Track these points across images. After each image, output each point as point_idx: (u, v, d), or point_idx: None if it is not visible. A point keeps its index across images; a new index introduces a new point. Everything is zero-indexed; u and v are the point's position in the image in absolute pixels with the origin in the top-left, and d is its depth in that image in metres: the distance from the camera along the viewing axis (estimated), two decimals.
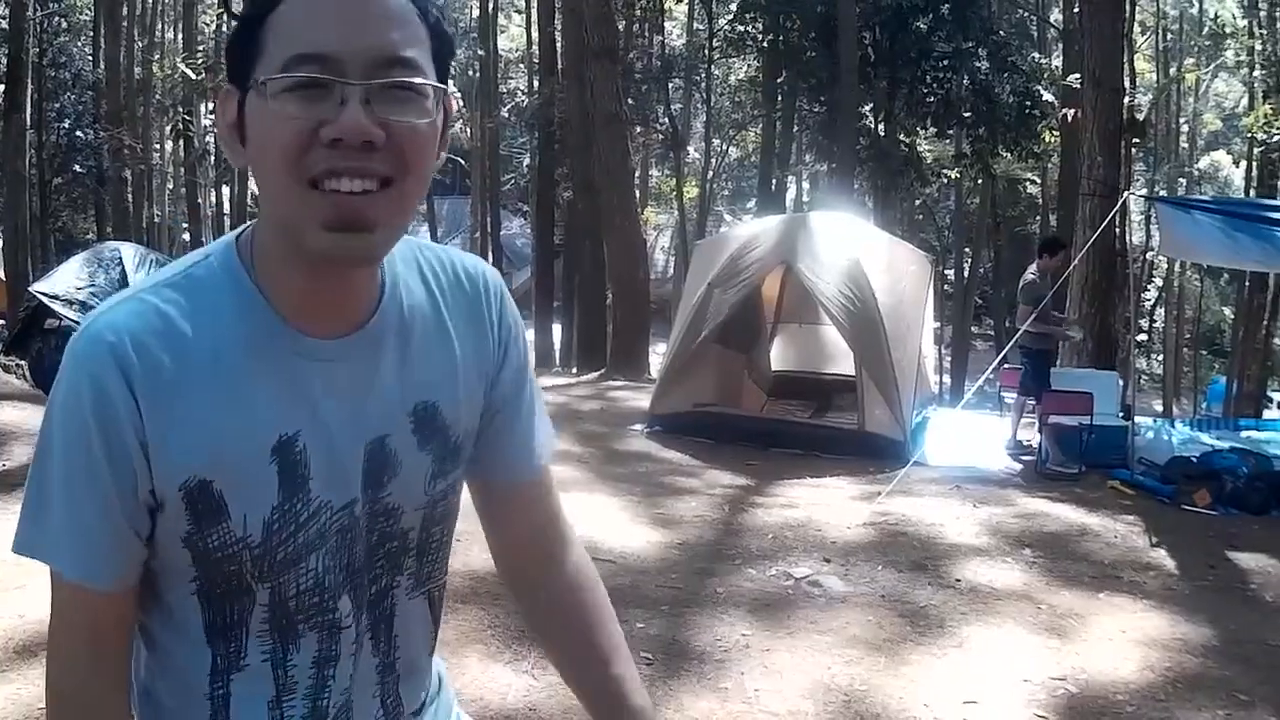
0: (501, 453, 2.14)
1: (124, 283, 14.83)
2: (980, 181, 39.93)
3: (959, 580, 8.89)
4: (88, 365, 1.70)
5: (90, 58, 37.73)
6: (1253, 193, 39.01)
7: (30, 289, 16.85)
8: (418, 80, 1.68)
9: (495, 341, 2.06)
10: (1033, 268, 14.70)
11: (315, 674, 1.91)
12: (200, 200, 41.68)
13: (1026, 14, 44.49)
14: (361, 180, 1.63)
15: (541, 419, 2.21)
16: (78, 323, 10.04)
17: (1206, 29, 45.57)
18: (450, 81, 1.79)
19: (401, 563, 1.99)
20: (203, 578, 1.80)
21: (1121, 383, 16.12)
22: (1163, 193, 40.74)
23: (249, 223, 1.88)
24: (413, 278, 1.96)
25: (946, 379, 38.72)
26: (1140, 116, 31.60)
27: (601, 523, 9.98)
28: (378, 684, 2.03)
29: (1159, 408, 38.28)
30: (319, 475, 1.81)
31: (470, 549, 8.73)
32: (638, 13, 38.51)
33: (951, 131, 36.18)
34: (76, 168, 36.23)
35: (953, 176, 40.24)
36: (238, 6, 1.75)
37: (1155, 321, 50.34)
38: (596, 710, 2.21)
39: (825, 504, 11.23)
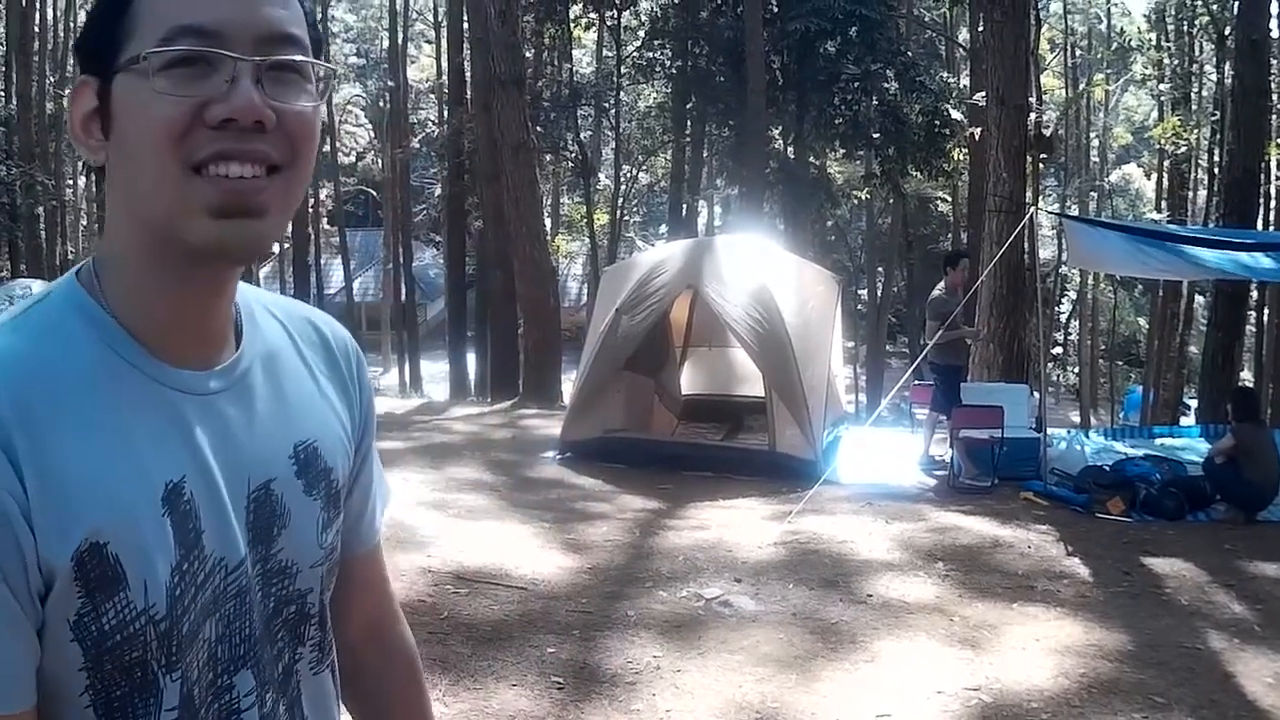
0: (356, 523, 1.98)
1: None
2: (891, 201, 40.23)
3: (870, 596, 8.88)
4: None
5: (2, 93, 37.43)
6: (1164, 204, 39.42)
7: None
8: (311, 60, 1.57)
9: (358, 404, 1.92)
10: (941, 284, 14.73)
11: None
12: None
13: (934, 34, 44.85)
14: (252, 165, 1.49)
15: (381, 483, 2.07)
16: None
17: (1115, 44, 46.02)
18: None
19: (303, 632, 1.78)
20: (98, 678, 1.49)
21: (1035, 395, 16.17)
22: (1074, 207, 41.17)
23: (83, 261, 1.66)
24: (264, 317, 1.80)
25: (862, 398, 38.84)
26: (1049, 132, 31.87)
27: (513, 549, 9.94)
28: None
29: (1076, 419, 38.55)
30: (210, 528, 1.58)
31: None
32: (546, 41, 38.54)
33: (861, 152, 36.39)
34: None
35: (863, 197, 40.53)
36: None
37: (1070, 334, 50.73)
38: None
39: (736, 525, 11.22)
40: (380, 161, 52.66)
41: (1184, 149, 35.62)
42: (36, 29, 38.62)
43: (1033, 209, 16.56)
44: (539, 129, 31.08)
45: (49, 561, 1.42)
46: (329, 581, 1.82)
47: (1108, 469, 12.97)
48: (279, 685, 1.73)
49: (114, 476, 1.49)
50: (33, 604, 1.43)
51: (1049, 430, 14.72)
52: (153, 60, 1.45)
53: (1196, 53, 40.01)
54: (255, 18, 1.50)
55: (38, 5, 39.05)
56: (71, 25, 45.47)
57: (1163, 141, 36.01)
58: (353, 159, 61.50)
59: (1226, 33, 30.81)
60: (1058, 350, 46.34)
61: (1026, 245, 17.20)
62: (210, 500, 1.58)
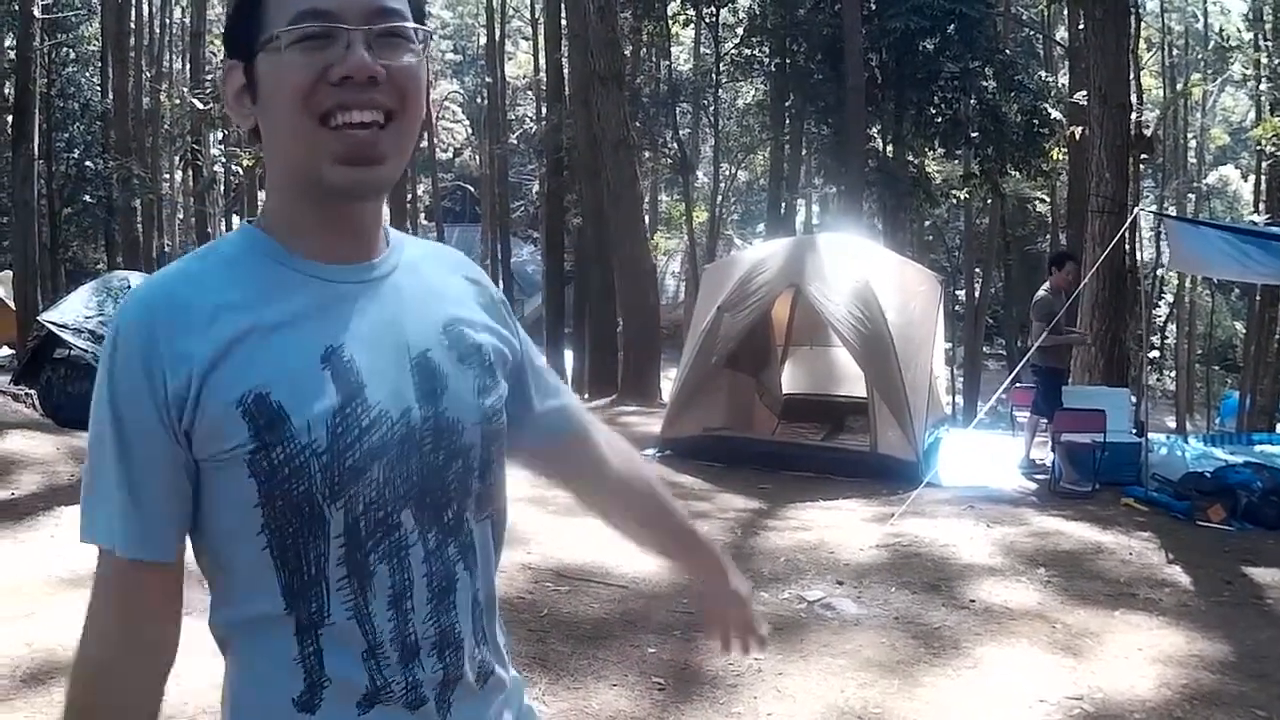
0: (541, 420, 2.37)
1: None
2: (989, 201, 39.89)
3: (973, 601, 8.86)
4: (127, 324, 1.83)
5: (98, 88, 37.87)
6: (1262, 206, 38.95)
7: (39, 318, 16.76)
8: (409, 25, 1.92)
9: (514, 332, 2.25)
10: (1046, 285, 14.65)
11: (394, 615, 1.92)
12: (210, 229, 41.63)
13: (1032, 33, 44.55)
14: (371, 111, 1.86)
15: (552, 378, 2.43)
16: (86, 351, 9.91)
17: (1212, 43, 45.53)
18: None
19: (469, 484, 2.03)
20: (271, 516, 1.83)
21: (1134, 399, 16.06)
22: (1172, 208, 40.76)
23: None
24: (413, 246, 2.16)
25: (959, 399, 38.60)
26: (1148, 132, 31.61)
27: (613, 547, 9.91)
28: (472, 618, 2.06)
29: (1172, 424, 38.18)
30: (372, 384, 1.89)
31: None
32: (644, 38, 38.55)
33: (960, 152, 36.17)
34: (86, 198, 36.35)
35: (962, 197, 40.18)
36: None
37: (1167, 338, 50.26)
38: (678, 548, 2.79)
39: (838, 526, 11.21)
40: (478, 157, 52.89)
41: None
42: (133, 25, 38.99)
43: (1137, 209, 16.40)
44: (637, 125, 31.09)
45: (214, 417, 1.80)
46: (494, 444, 2.09)
47: (1208, 475, 12.82)
48: (449, 529, 2.01)
49: (275, 345, 1.84)
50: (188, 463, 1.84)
51: (1149, 435, 14.59)
52: (284, 38, 1.85)
53: None
54: None
55: (134, 1, 39.40)
56: (167, 21, 45.96)
57: (1262, 142, 35.54)
58: (450, 155, 61.78)
59: None
60: (1154, 354, 45.94)
61: (1129, 246, 17.03)
62: (371, 361, 1.91)
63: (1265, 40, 39.91)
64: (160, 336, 1.80)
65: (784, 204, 42.28)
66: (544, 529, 10.42)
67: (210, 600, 1.96)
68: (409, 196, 42.57)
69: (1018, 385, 16.19)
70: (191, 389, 1.79)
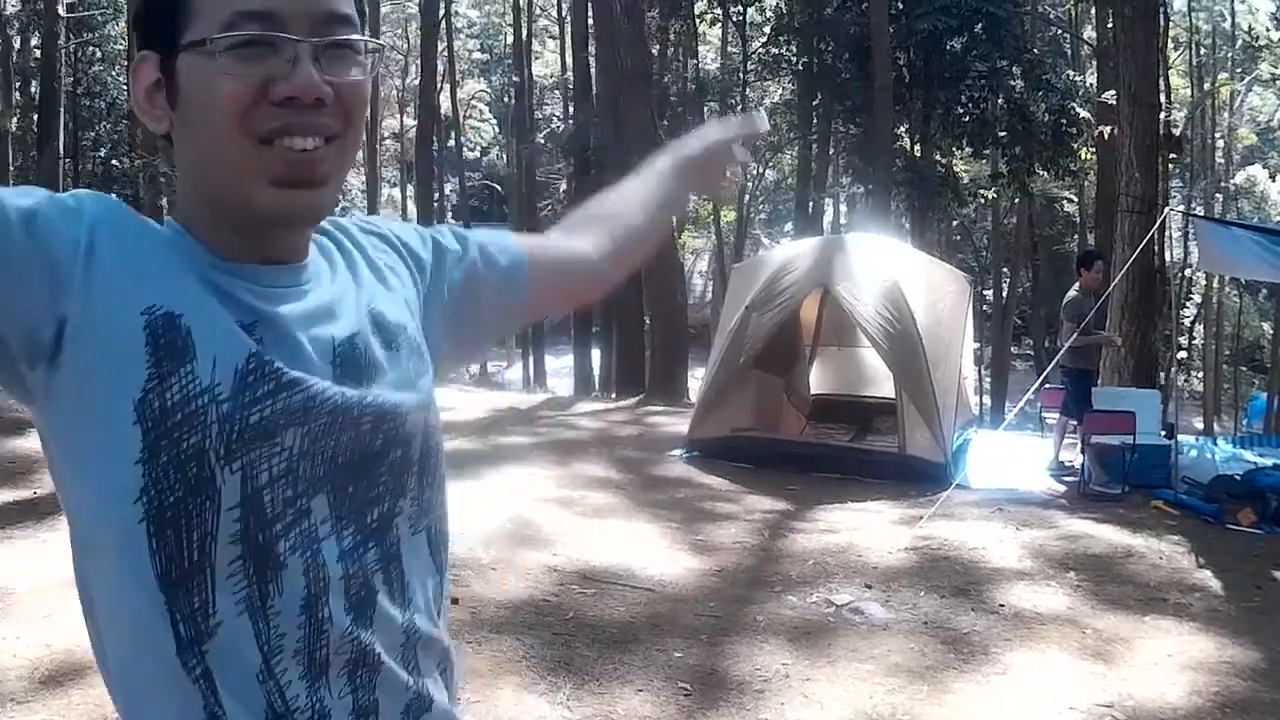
0: (501, 278, 2.17)
1: None
2: (1017, 201, 39.84)
3: (1002, 605, 8.80)
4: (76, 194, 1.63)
5: (124, 87, 38.03)
6: None
7: None
8: (362, 38, 1.71)
9: (411, 264, 2.04)
10: (1075, 285, 14.58)
11: (305, 619, 1.64)
12: None
13: (1060, 31, 44.46)
14: (313, 138, 1.64)
15: (491, 238, 2.23)
16: None
17: (1240, 42, 45.45)
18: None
19: (405, 483, 1.81)
20: (153, 479, 1.53)
21: (1162, 401, 15.97)
22: (1199, 208, 40.72)
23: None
24: (324, 239, 1.93)
25: (987, 400, 38.53)
26: (1176, 132, 31.52)
27: (640, 549, 9.94)
28: (402, 643, 1.78)
29: (1199, 425, 38.08)
30: (291, 355, 1.66)
31: (505, 578, 8.71)
32: (671, 37, 38.60)
33: (988, 151, 36.06)
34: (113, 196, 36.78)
35: (989, 196, 40.14)
36: None
37: (1194, 338, 50.15)
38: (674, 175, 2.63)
39: (866, 529, 11.15)
40: (505, 156, 52.88)
41: None
42: None
43: (1167, 209, 16.33)
44: (665, 124, 31.09)
45: (109, 318, 1.53)
46: (432, 439, 1.88)
47: (1238, 478, 12.74)
48: (372, 531, 1.75)
49: (197, 294, 1.60)
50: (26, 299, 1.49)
51: (1179, 437, 14.51)
52: (218, 44, 1.59)
53: None
54: (309, 1, 1.64)
55: None
56: None
57: None
58: (477, 154, 61.99)
59: None
60: (1182, 355, 45.85)
61: (1158, 246, 16.95)
62: (286, 343, 1.66)
63: None
64: (104, 213, 1.61)
65: (812, 203, 42.25)
66: (570, 530, 10.41)
67: (83, 601, 1.70)
68: (436, 195, 42.58)
69: (1047, 386, 16.12)
70: (99, 287, 1.54)
